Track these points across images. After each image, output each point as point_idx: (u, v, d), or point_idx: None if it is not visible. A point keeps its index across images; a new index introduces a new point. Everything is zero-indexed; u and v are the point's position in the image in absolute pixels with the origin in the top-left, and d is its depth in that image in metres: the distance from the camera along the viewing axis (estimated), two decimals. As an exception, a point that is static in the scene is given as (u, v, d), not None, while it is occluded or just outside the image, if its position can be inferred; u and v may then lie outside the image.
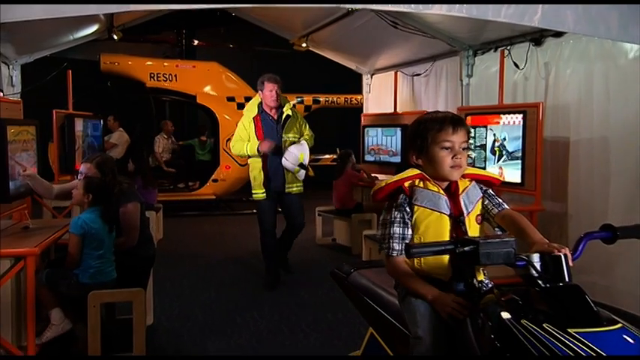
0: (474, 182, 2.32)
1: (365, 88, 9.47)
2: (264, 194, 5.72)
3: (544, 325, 1.69)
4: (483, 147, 5.84)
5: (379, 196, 2.32)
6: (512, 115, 5.50)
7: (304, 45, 8.22)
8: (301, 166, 5.64)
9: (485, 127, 5.83)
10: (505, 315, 1.81)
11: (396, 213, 2.23)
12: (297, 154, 5.60)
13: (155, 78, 10.93)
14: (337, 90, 11.87)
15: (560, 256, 1.85)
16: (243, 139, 5.74)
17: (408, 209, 2.22)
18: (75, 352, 3.97)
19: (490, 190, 2.34)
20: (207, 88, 11.28)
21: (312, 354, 3.05)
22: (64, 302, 3.94)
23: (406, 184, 2.26)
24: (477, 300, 2.03)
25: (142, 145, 10.59)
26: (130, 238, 4.23)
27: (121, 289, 3.99)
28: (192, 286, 5.99)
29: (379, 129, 8.19)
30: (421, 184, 2.25)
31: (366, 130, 8.55)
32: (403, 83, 8.37)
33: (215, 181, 11.03)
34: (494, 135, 5.70)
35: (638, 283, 4.84)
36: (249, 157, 5.78)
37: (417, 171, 2.28)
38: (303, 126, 6.00)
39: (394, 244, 2.21)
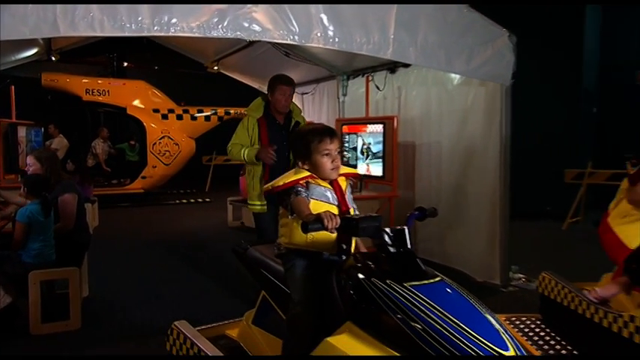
0: (347, 180, 2.34)
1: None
2: (264, 207, 4.00)
3: (387, 281, 1.76)
4: (355, 149, 5.97)
5: (276, 190, 2.25)
6: (375, 125, 5.64)
7: (216, 68, 8.01)
8: None
9: (356, 134, 5.96)
10: (360, 275, 1.86)
11: (300, 189, 2.17)
12: None
13: (90, 93, 10.39)
14: (245, 104, 11.64)
15: (404, 229, 1.92)
16: (242, 142, 4.04)
17: (308, 193, 2.18)
18: (18, 323, 3.68)
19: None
20: (136, 102, 10.85)
21: (221, 313, 3.04)
22: (6, 280, 3.65)
23: (302, 182, 2.21)
24: (342, 265, 2.05)
25: (80, 148, 10.07)
26: (67, 224, 3.95)
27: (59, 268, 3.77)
28: (123, 264, 5.74)
29: (277, 135, 8.22)
30: (313, 182, 2.22)
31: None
32: (295, 100, 8.34)
33: (144, 177, 10.68)
34: (363, 140, 5.84)
35: (462, 247, 5.15)
36: (247, 163, 4.06)
37: (307, 172, 2.23)
38: None
39: (301, 191, 2.15)
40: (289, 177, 2.23)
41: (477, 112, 4.94)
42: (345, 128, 6.13)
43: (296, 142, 2.32)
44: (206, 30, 3.28)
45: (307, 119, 7.83)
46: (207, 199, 11.26)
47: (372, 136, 5.69)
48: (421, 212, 2.17)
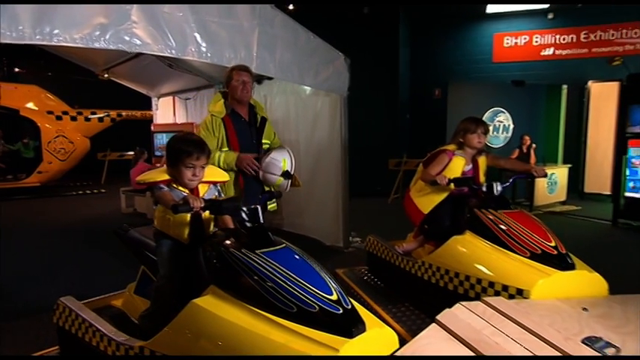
0: (211, 185, 2.17)
1: (154, 107, 8.75)
2: None
3: (242, 250, 1.76)
4: (230, 145, 5.86)
5: (142, 186, 2.09)
6: (246, 126, 5.57)
7: (106, 76, 7.22)
8: (285, 175, 2.82)
9: (231, 133, 5.83)
10: (222, 247, 1.83)
11: (163, 187, 2.02)
12: (280, 160, 2.85)
13: (-20, 96, 8.84)
14: (135, 107, 10.86)
15: (257, 207, 1.90)
16: (211, 145, 2.82)
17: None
18: None
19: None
20: (30, 104, 9.45)
21: (109, 287, 2.80)
22: None
23: (163, 183, 2.03)
24: (209, 240, 2.00)
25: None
26: None
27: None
28: (20, 250, 5.01)
29: (164, 134, 7.74)
30: (174, 185, 2.05)
31: (155, 135, 8.01)
32: (179, 104, 7.94)
33: (40, 172, 9.40)
34: (236, 138, 5.73)
35: (316, 219, 5.28)
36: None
37: (168, 176, 2.04)
38: (272, 132, 3.24)
39: (162, 188, 2.00)
40: (154, 177, 2.06)
41: (324, 117, 5.10)
42: (222, 128, 5.99)
43: (168, 146, 2.09)
44: (89, 41, 2.95)
45: (189, 121, 7.52)
46: (103, 190, 10.24)
47: (244, 134, 5.62)
48: (269, 194, 2.20)
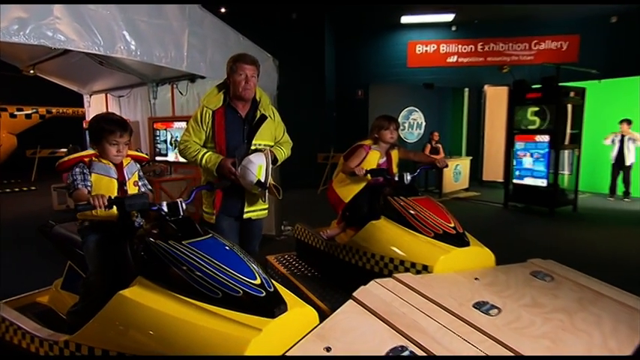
0: (131, 160, 2.13)
1: (86, 104, 8.06)
2: (213, 217, 2.41)
3: (169, 241, 1.69)
4: (165, 141, 5.58)
5: (62, 166, 1.99)
6: (180, 122, 5.32)
7: (32, 72, 6.48)
8: (259, 184, 2.25)
9: (166, 129, 5.57)
10: (148, 239, 1.74)
11: (77, 170, 1.96)
12: (255, 166, 2.24)
13: None
14: (67, 104, 9.92)
15: (177, 201, 1.84)
16: (200, 139, 2.38)
17: (86, 171, 1.96)
18: None
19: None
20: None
21: (36, 285, 2.54)
22: None
23: (86, 159, 1.99)
24: (135, 232, 1.88)
25: None
26: None
27: None
28: None
29: (97, 131, 7.18)
30: (97, 160, 2.01)
31: (87, 131, 7.37)
32: (113, 101, 7.37)
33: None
34: (171, 134, 5.46)
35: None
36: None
37: (92, 151, 2.04)
38: (280, 130, 2.62)
39: (78, 183, 1.92)
40: (76, 155, 2.00)
41: (255, 115, 5.03)
42: (156, 125, 5.68)
43: (91, 126, 2.06)
44: (6, 35, 2.62)
45: (125, 117, 6.98)
46: (33, 188, 9.28)
47: (178, 131, 5.36)
48: (199, 188, 2.14)
